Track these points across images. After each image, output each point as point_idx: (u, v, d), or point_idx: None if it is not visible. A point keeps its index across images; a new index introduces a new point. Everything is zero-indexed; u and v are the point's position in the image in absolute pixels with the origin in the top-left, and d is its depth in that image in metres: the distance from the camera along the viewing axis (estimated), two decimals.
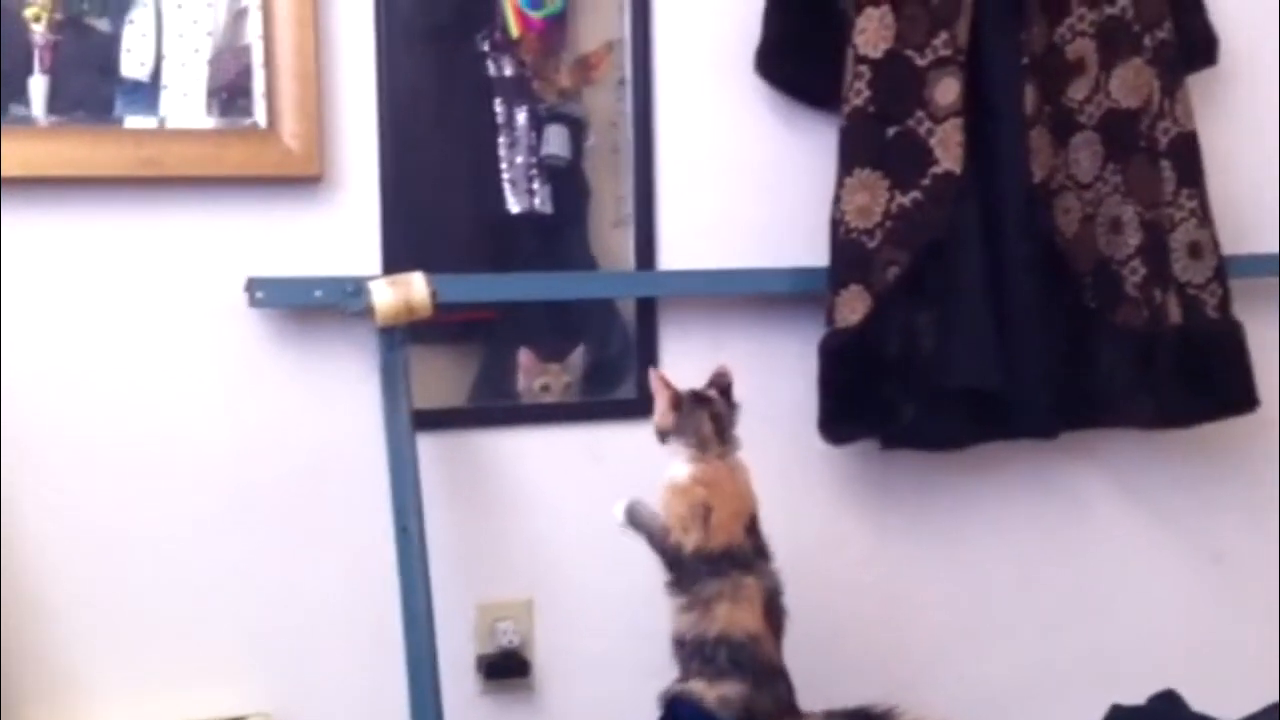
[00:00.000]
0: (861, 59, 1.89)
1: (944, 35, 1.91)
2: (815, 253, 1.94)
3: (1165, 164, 2.02)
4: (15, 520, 1.69)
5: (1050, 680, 2.16)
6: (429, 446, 1.79)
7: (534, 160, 1.90)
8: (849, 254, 1.90)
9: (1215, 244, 2.05)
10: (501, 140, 1.90)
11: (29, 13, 1.67)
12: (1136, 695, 1.98)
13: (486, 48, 1.89)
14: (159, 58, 1.72)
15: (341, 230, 1.80)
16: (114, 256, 1.73)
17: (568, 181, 1.93)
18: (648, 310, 1.94)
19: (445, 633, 1.73)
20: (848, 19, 1.91)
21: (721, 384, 1.69)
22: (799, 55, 1.96)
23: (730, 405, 1.68)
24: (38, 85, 1.68)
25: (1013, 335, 1.95)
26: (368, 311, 1.70)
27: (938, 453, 2.02)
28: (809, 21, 1.95)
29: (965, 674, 2.11)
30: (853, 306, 1.89)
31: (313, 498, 1.81)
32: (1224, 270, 2.05)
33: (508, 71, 1.89)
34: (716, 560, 1.60)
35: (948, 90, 1.91)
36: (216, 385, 1.77)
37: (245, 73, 1.75)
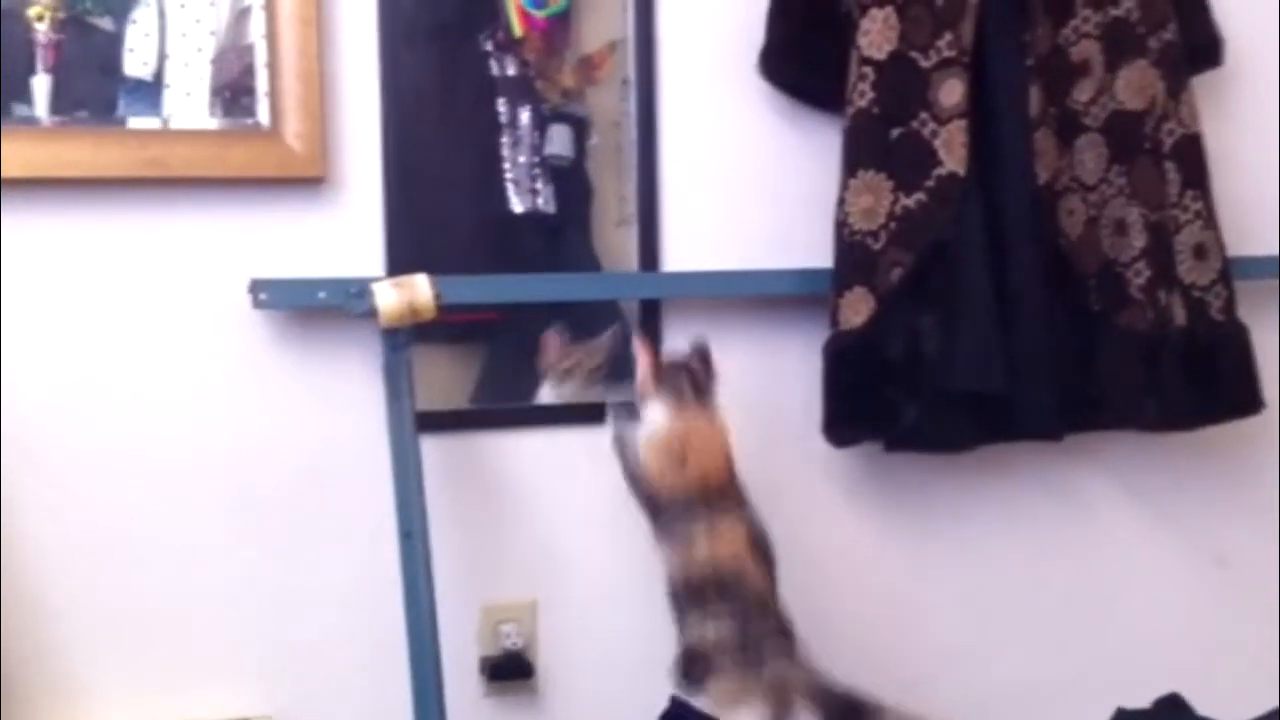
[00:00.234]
0: (866, 60, 1.89)
1: (948, 36, 1.90)
2: (819, 254, 1.93)
3: (1170, 166, 2.02)
4: (17, 521, 1.69)
5: (1054, 683, 2.16)
6: (432, 448, 1.78)
7: (537, 160, 1.90)
8: (853, 256, 1.90)
9: (1220, 246, 2.05)
10: (504, 140, 1.89)
11: (32, 12, 1.67)
12: (1141, 699, 1.98)
13: (489, 47, 1.89)
14: (162, 57, 1.72)
15: (345, 231, 1.80)
16: (117, 258, 1.72)
17: (571, 181, 1.92)
18: (651, 312, 1.94)
19: (449, 635, 1.73)
20: (852, 21, 1.91)
21: (701, 353, 1.74)
22: (803, 57, 1.96)
23: (709, 372, 1.73)
24: (40, 84, 1.68)
25: (1017, 337, 1.94)
26: (371, 313, 1.69)
27: (942, 455, 2.01)
28: (813, 23, 1.94)
29: (969, 677, 2.11)
30: (857, 308, 1.89)
31: (316, 499, 1.80)
32: (1229, 272, 2.05)
33: (511, 71, 1.89)
34: (693, 502, 1.64)
35: (952, 92, 1.90)
36: (220, 386, 1.76)
37: (248, 72, 1.74)
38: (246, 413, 1.77)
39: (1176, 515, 2.23)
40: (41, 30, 1.67)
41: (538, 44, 1.89)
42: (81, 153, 1.67)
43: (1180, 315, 2.01)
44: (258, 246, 1.76)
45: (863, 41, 1.89)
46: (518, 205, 1.90)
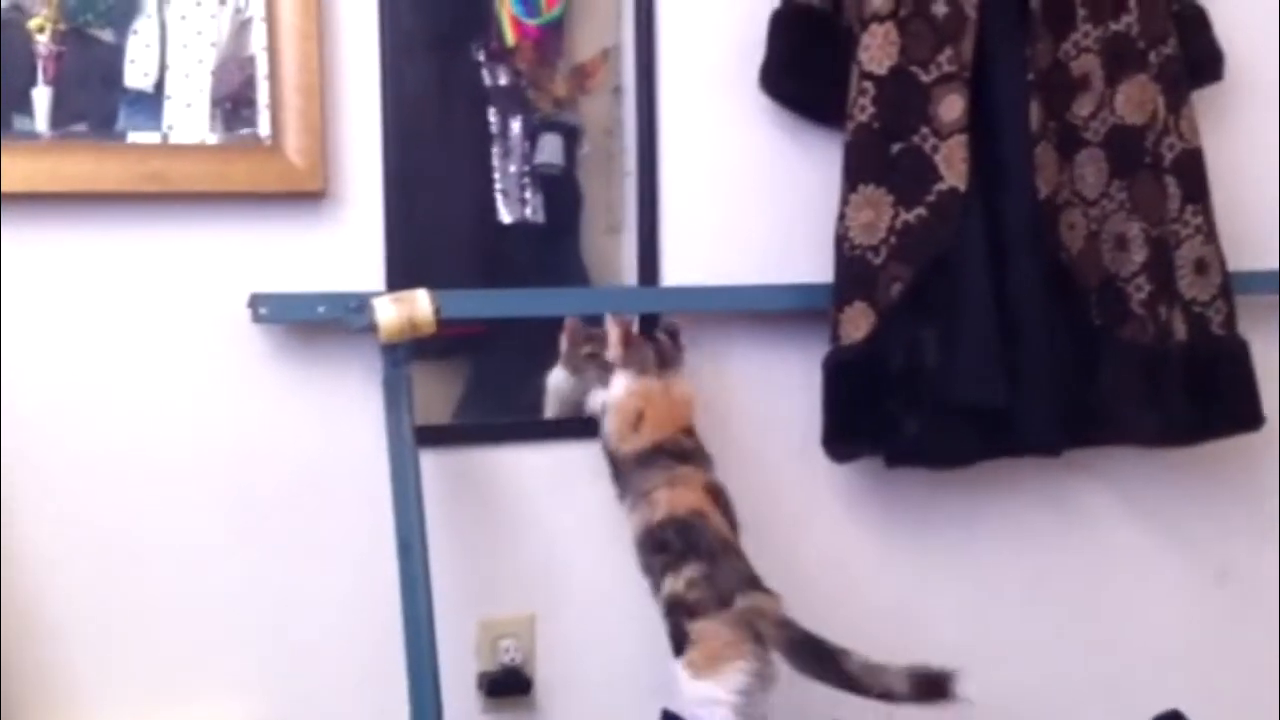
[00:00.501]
0: (866, 75, 1.89)
1: (949, 51, 1.90)
2: (819, 269, 1.94)
3: (1170, 180, 2.02)
4: (17, 534, 1.69)
5: (1055, 699, 2.16)
6: (431, 463, 1.78)
7: (527, 169, 1.90)
8: (853, 270, 1.90)
9: (1221, 261, 2.05)
10: (495, 150, 1.89)
11: (33, 23, 1.67)
12: (1142, 714, 1.97)
13: (482, 57, 1.89)
14: (163, 68, 1.72)
15: (345, 245, 1.80)
16: (117, 272, 1.72)
17: (561, 190, 1.93)
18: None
19: (447, 649, 1.72)
20: (853, 35, 1.91)
21: (671, 330, 1.85)
22: (804, 71, 1.96)
23: (677, 346, 1.83)
24: (41, 96, 1.67)
25: (1018, 352, 1.94)
26: (371, 328, 1.69)
27: (942, 470, 2.01)
28: (814, 38, 1.95)
29: (969, 691, 2.10)
30: (857, 323, 1.89)
31: (315, 513, 1.80)
32: (1229, 287, 2.05)
33: (503, 81, 1.89)
34: (650, 456, 1.73)
35: (952, 106, 1.90)
36: (219, 400, 1.76)
37: (249, 83, 1.74)
38: (246, 426, 1.77)
39: (1177, 530, 2.23)
40: (42, 42, 1.67)
41: (530, 53, 1.89)
42: (82, 167, 1.67)
43: (1181, 330, 2.01)
44: (258, 261, 1.76)
45: (863, 56, 1.89)
46: (506, 216, 1.90)
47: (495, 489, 1.88)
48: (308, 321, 1.75)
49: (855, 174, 1.90)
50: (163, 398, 1.74)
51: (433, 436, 1.80)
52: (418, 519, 1.70)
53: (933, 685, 1.59)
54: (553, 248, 1.94)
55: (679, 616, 1.66)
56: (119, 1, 1.70)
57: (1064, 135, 2.00)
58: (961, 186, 1.90)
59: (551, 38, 1.91)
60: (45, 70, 1.67)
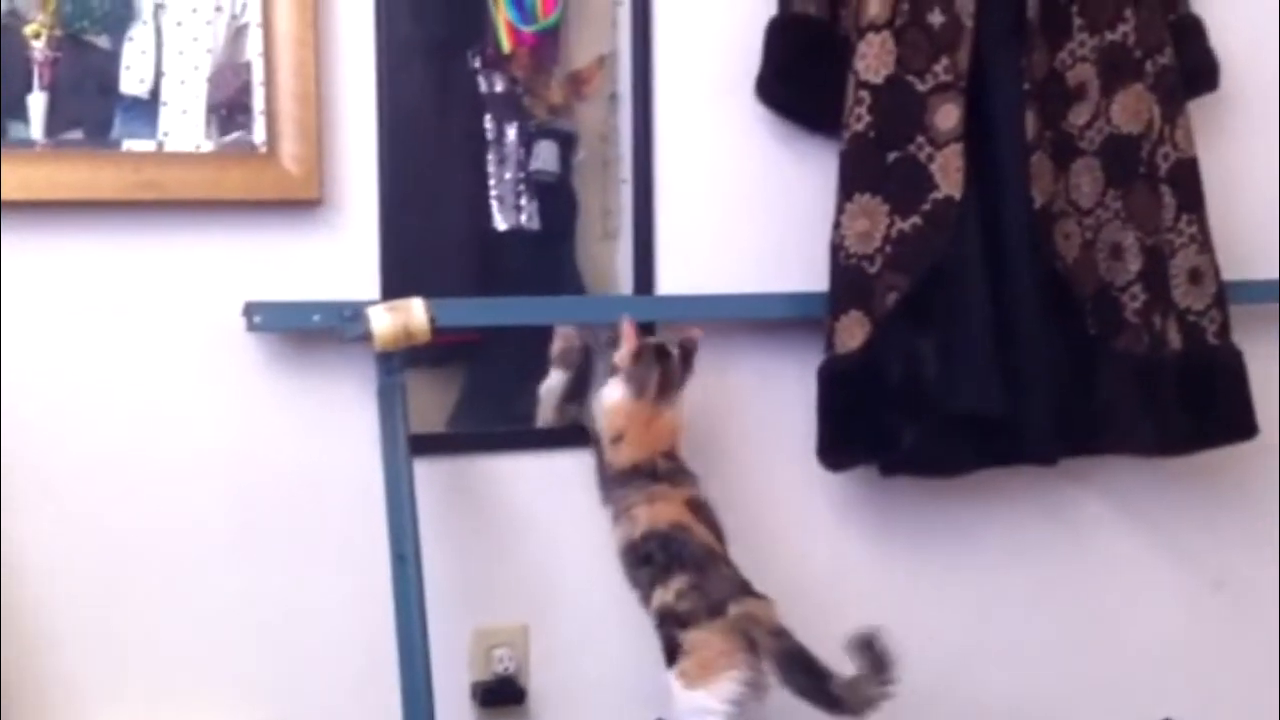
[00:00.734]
0: (862, 84, 1.89)
1: (945, 61, 1.90)
2: (815, 277, 1.94)
3: (1166, 190, 2.02)
4: (15, 539, 1.68)
5: (1052, 706, 2.16)
6: (425, 471, 1.77)
7: (522, 176, 1.90)
8: (849, 279, 1.90)
9: (1215, 270, 2.05)
10: (491, 157, 1.89)
11: (29, 29, 1.67)
12: (1137, 718, 1.97)
13: (478, 64, 1.89)
14: (159, 75, 1.72)
15: (340, 254, 1.79)
16: (112, 279, 1.72)
17: (556, 196, 1.93)
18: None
19: (441, 659, 1.72)
20: (849, 45, 1.91)
21: (687, 346, 1.80)
22: (800, 80, 1.96)
23: (685, 369, 1.80)
24: (37, 102, 1.67)
25: (1014, 361, 1.94)
26: (366, 337, 1.69)
27: (938, 479, 2.01)
28: (810, 47, 1.95)
29: (967, 700, 2.10)
30: (852, 332, 1.89)
31: (309, 521, 1.80)
32: (1224, 296, 2.05)
33: (498, 88, 1.89)
34: (627, 475, 1.74)
35: (948, 115, 1.90)
36: (213, 408, 1.76)
37: (245, 89, 1.74)
38: (240, 435, 1.77)
39: (1174, 539, 2.23)
40: (38, 48, 1.67)
41: (526, 60, 1.89)
42: (78, 175, 1.67)
43: (1176, 339, 2.02)
44: (253, 269, 1.76)
45: (859, 65, 1.89)
46: (501, 223, 1.90)
47: (490, 498, 1.88)
48: (302, 330, 1.75)
49: (851, 183, 1.90)
50: (158, 406, 1.74)
51: (427, 445, 1.80)
52: (412, 528, 1.70)
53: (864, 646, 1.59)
54: (548, 255, 1.94)
55: (671, 627, 1.66)
56: (115, 8, 1.70)
57: (1059, 144, 2.00)
58: (957, 195, 1.90)
59: (547, 44, 1.91)
60: (41, 76, 1.67)
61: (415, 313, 1.69)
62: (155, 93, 1.72)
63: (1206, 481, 2.20)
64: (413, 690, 1.69)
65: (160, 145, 1.71)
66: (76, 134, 1.69)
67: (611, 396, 1.77)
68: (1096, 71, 2.00)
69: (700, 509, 1.74)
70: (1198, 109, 2.09)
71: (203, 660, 1.76)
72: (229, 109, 1.74)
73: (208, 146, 1.73)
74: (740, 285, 1.96)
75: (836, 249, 1.91)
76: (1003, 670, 2.13)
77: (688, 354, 1.80)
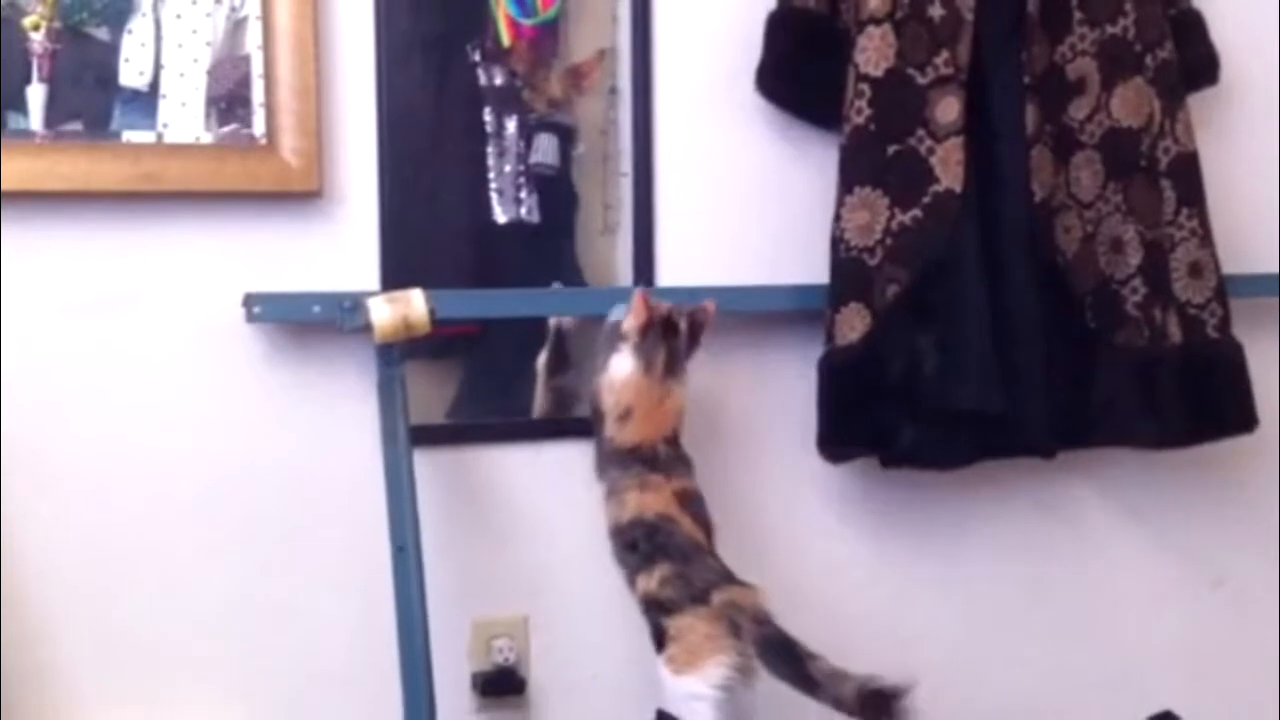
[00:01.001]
0: (862, 77, 1.89)
1: (945, 54, 1.90)
2: (815, 270, 1.94)
3: (1166, 184, 2.02)
4: (13, 537, 1.69)
5: (1049, 702, 2.16)
6: (425, 462, 1.78)
7: (522, 169, 1.90)
8: (849, 272, 1.90)
9: (1216, 264, 2.05)
10: (490, 150, 1.89)
11: (28, 21, 1.67)
12: (1135, 716, 1.97)
13: (478, 57, 1.88)
14: (158, 67, 1.72)
15: (340, 245, 1.80)
16: (111, 271, 1.72)
17: (556, 190, 1.93)
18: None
19: (441, 649, 1.72)
20: (849, 38, 1.91)
21: (699, 319, 1.79)
22: (800, 73, 1.96)
23: (693, 344, 1.79)
24: (36, 94, 1.68)
25: (1013, 354, 1.94)
26: (365, 328, 1.69)
27: (937, 472, 2.01)
28: (810, 40, 1.95)
29: (965, 695, 2.10)
30: (852, 324, 1.89)
31: (309, 513, 1.80)
32: (1224, 290, 2.05)
33: (498, 81, 1.89)
34: (627, 456, 1.73)
35: (949, 109, 1.90)
36: (213, 400, 1.76)
37: (244, 82, 1.74)
38: (239, 426, 1.77)
39: (1173, 533, 2.23)
40: (37, 40, 1.67)
41: (525, 53, 1.89)
42: (77, 167, 1.67)
43: (1176, 333, 2.02)
44: (252, 260, 1.76)
45: (860, 58, 1.89)
46: (501, 216, 1.90)
47: (490, 489, 1.88)
48: (302, 321, 1.75)
49: (851, 176, 1.90)
50: (157, 397, 1.74)
51: (427, 436, 1.80)
52: (411, 519, 1.70)
53: (879, 702, 1.59)
54: (548, 248, 1.94)
55: (656, 614, 1.67)
56: (114, 0, 1.69)
57: (1060, 138, 2.00)
58: (957, 189, 1.90)
59: (547, 38, 1.91)
60: (40, 68, 1.67)
61: (415, 304, 1.70)
62: (154, 85, 1.72)
63: (1206, 476, 2.20)
64: (413, 681, 1.69)
65: (160, 137, 1.71)
66: (76, 126, 1.69)
67: (621, 370, 1.75)
68: (1097, 65, 1.99)
69: (690, 502, 1.74)
70: (1197, 103, 2.09)
71: (203, 651, 1.76)
72: (228, 101, 1.74)
73: (207, 139, 1.73)
74: (740, 278, 1.96)
75: (836, 242, 1.91)
76: (1000, 664, 2.13)
77: (697, 328, 1.79)
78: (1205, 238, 2.05)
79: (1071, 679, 2.17)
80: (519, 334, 1.92)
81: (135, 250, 1.72)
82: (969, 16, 1.91)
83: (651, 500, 1.71)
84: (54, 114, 1.68)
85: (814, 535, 2.03)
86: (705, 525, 1.74)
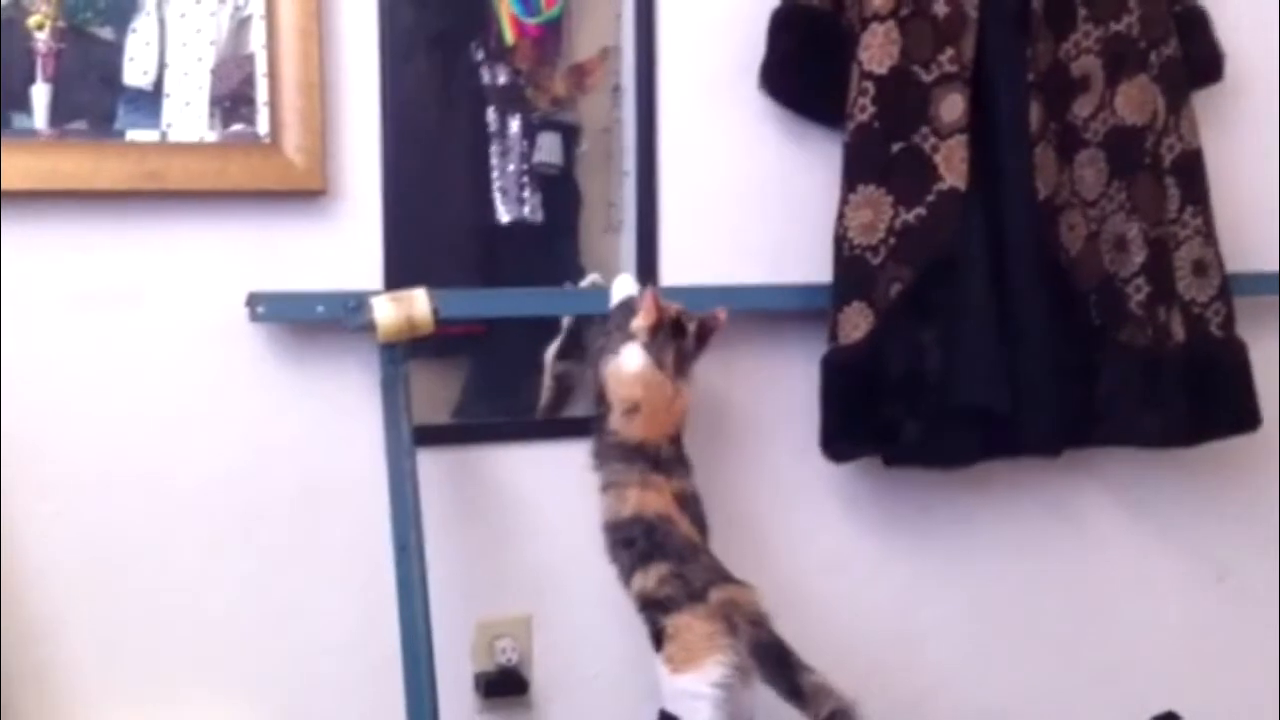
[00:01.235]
0: (866, 75, 1.89)
1: (949, 52, 1.90)
2: (818, 269, 1.93)
3: (1170, 181, 2.02)
4: (14, 537, 1.69)
5: (1053, 699, 2.16)
6: (429, 462, 1.78)
7: (525, 168, 1.90)
8: (852, 270, 1.90)
9: (1220, 262, 2.05)
10: (494, 149, 1.89)
11: (32, 21, 1.67)
12: (1139, 715, 1.98)
13: (481, 56, 1.88)
14: (162, 66, 1.72)
15: (344, 244, 1.80)
16: (115, 270, 1.72)
17: (559, 189, 1.92)
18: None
19: (444, 650, 1.72)
20: (853, 35, 1.91)
21: (709, 326, 1.78)
22: (804, 71, 1.96)
23: (700, 347, 1.78)
24: (40, 93, 1.67)
25: (1017, 353, 1.94)
26: (369, 327, 1.69)
27: (941, 470, 2.01)
28: (814, 37, 1.94)
29: (968, 693, 2.11)
30: (855, 323, 1.89)
31: (311, 512, 1.80)
32: (1228, 288, 2.05)
33: (501, 79, 1.89)
34: (630, 452, 1.72)
35: (953, 107, 1.90)
36: (216, 399, 1.76)
37: (248, 81, 1.74)
38: (243, 425, 1.77)
39: (1176, 531, 2.23)
40: (41, 39, 1.67)
41: (529, 51, 1.89)
42: (81, 165, 1.67)
43: (1180, 331, 2.02)
44: (256, 259, 1.76)
45: (863, 56, 1.89)
46: (505, 215, 1.90)
47: (493, 489, 1.88)
48: (306, 321, 1.75)
49: (855, 174, 1.90)
50: (160, 396, 1.74)
51: (431, 436, 1.80)
52: (414, 519, 1.70)
53: None
54: (551, 247, 1.94)
55: (653, 613, 1.67)
56: None
57: (1064, 136, 2.00)
58: (961, 187, 1.90)
59: (550, 36, 1.91)
60: (44, 67, 1.67)
61: (418, 303, 1.70)
62: (158, 84, 1.72)
63: (1209, 473, 2.20)
64: (415, 681, 1.69)
65: (164, 136, 1.71)
66: (80, 125, 1.69)
67: (632, 364, 1.74)
68: (1101, 63, 1.99)
69: (688, 503, 1.74)
70: (1202, 100, 2.09)
71: (205, 651, 1.76)
72: (232, 100, 1.74)
73: (211, 138, 1.73)
74: (743, 277, 1.96)
75: (840, 240, 1.91)
76: (1004, 661, 2.14)
77: (705, 333, 1.78)
78: (1209, 236, 2.05)
79: (1075, 673, 2.17)
80: (524, 333, 1.92)
81: (139, 249, 1.72)
82: (973, 14, 1.91)
83: (653, 500, 1.71)
84: (58, 113, 1.68)
85: (818, 534, 2.03)
86: (702, 527, 1.74)
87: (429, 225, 1.86)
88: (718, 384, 1.92)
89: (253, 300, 1.73)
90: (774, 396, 1.98)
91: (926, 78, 1.90)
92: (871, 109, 1.89)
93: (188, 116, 1.72)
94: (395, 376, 1.72)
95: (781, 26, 1.95)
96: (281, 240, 1.77)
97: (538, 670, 1.90)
